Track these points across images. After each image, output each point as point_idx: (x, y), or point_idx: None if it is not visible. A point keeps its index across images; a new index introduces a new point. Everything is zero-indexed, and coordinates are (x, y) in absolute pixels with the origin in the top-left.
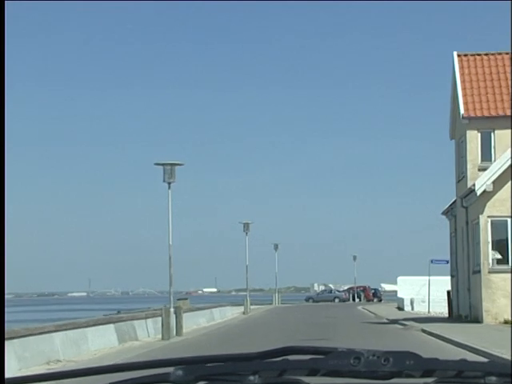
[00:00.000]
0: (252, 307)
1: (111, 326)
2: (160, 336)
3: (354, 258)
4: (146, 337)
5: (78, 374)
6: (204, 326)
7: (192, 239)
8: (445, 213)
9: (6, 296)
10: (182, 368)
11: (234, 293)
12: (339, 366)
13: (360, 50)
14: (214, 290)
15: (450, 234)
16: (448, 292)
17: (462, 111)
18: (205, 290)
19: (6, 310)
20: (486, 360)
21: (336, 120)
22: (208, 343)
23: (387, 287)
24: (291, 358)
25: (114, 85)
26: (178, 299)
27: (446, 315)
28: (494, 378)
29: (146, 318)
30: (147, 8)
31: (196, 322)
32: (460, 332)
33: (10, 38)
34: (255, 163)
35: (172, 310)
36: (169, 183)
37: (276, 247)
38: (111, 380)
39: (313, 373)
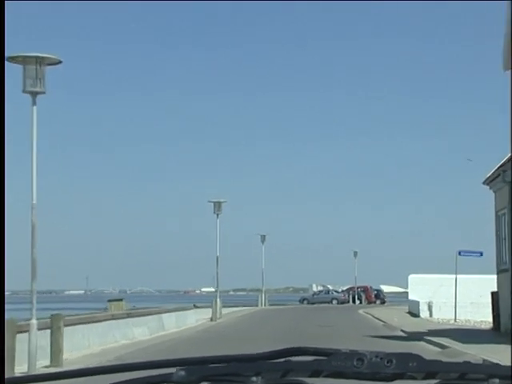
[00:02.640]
0: (228, 310)
1: None
2: (25, 366)
3: (355, 254)
4: None
5: (78, 374)
6: (139, 341)
7: (192, 238)
8: (489, 181)
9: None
10: (184, 368)
11: (231, 292)
12: (342, 368)
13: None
14: (212, 289)
15: (496, 211)
16: (493, 294)
17: None
18: (202, 289)
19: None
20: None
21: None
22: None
23: (386, 289)
24: (294, 359)
25: None
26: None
27: (479, 324)
28: (497, 381)
29: None
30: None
31: (127, 336)
32: None
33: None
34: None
35: (35, 322)
36: (32, 93)
37: (263, 239)
38: (113, 380)
39: (316, 374)
